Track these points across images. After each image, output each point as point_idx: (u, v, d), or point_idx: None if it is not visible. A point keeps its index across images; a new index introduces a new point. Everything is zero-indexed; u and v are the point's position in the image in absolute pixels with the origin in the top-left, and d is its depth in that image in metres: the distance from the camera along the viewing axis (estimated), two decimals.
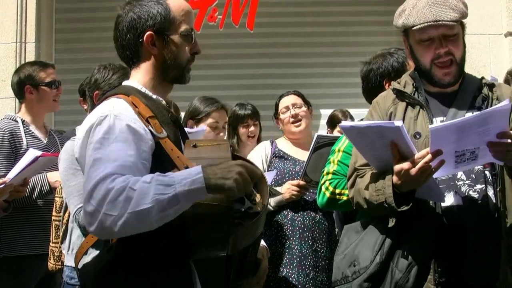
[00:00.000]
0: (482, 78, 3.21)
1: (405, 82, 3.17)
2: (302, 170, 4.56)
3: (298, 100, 5.02)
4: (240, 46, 7.94)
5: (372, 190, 2.88)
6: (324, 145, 4.33)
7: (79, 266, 2.67)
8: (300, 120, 4.93)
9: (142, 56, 2.60)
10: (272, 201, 4.63)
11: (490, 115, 2.64)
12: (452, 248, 2.89)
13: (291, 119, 4.91)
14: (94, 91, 3.61)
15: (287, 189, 4.59)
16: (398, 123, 2.65)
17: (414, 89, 3.12)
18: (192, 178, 2.20)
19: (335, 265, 3.16)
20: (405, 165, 2.71)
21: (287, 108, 4.96)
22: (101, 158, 2.25)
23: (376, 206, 2.87)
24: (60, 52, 7.80)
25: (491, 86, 3.15)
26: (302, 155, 4.85)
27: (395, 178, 2.78)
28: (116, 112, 2.37)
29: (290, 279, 4.57)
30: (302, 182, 4.55)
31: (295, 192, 4.56)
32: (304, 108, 4.96)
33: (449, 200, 2.93)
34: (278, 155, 4.86)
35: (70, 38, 7.86)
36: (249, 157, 4.47)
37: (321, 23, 8.04)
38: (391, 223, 2.89)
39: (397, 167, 2.75)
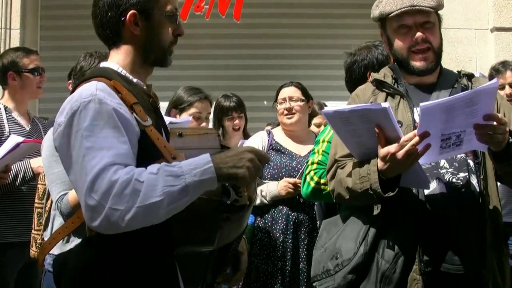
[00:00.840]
0: (460, 70, 3.22)
1: (384, 74, 3.16)
2: (301, 168, 4.56)
3: (296, 93, 5.00)
4: (226, 36, 7.94)
5: (356, 177, 2.85)
6: None
7: (56, 252, 2.59)
8: (293, 114, 4.92)
9: (123, 36, 2.44)
10: (268, 196, 4.66)
11: (478, 94, 2.63)
12: (436, 237, 2.88)
13: (285, 111, 4.92)
14: (79, 79, 3.58)
15: (284, 186, 4.61)
16: (385, 104, 2.63)
17: (393, 80, 3.12)
18: (203, 168, 2.12)
19: (315, 259, 3.13)
20: (392, 148, 2.68)
21: (284, 99, 4.96)
22: (93, 146, 2.11)
23: (360, 194, 2.83)
24: (45, 39, 7.76)
25: (470, 76, 3.17)
26: (299, 149, 4.88)
27: (380, 163, 2.74)
28: (100, 96, 2.21)
29: (284, 271, 4.61)
30: (299, 181, 4.53)
31: (291, 190, 4.58)
32: (300, 103, 4.94)
33: (432, 188, 2.92)
34: (275, 148, 4.87)
35: (55, 25, 7.84)
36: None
37: (307, 15, 8.05)
38: (376, 210, 2.84)
39: (383, 151, 2.71)
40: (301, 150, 4.86)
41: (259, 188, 4.65)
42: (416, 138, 2.66)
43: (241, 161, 2.18)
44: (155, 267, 2.27)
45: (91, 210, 2.06)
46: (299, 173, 4.59)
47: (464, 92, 2.74)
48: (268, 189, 4.66)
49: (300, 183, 4.51)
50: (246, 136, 5.52)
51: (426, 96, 3.07)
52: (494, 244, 2.97)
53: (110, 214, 2.04)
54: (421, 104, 2.64)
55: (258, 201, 4.66)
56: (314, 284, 3.07)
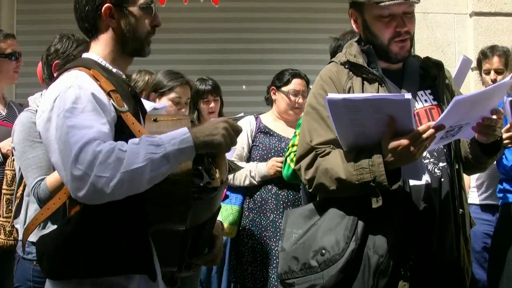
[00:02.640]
0: (428, 58, 3.21)
1: (355, 56, 3.07)
2: None
3: (305, 89, 5.08)
4: (205, 20, 7.88)
5: (352, 168, 2.76)
6: None
7: (34, 239, 2.65)
8: (299, 109, 4.99)
9: (101, 28, 2.58)
10: (257, 176, 4.76)
11: (499, 87, 2.68)
12: (422, 228, 2.89)
13: (296, 105, 4.99)
14: (54, 61, 3.55)
15: (272, 166, 4.71)
16: (408, 95, 2.57)
17: (365, 64, 3.04)
18: (181, 137, 2.25)
19: (288, 255, 2.99)
20: (405, 141, 2.63)
21: (297, 92, 5.02)
22: (75, 125, 2.22)
23: (354, 186, 2.76)
24: (22, 23, 7.68)
25: (439, 64, 3.16)
26: (287, 131, 4.95)
27: (387, 155, 2.68)
28: (79, 82, 2.35)
29: (274, 251, 4.69)
30: None
31: (279, 169, 4.63)
32: (305, 100, 4.98)
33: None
34: (264, 131, 4.96)
35: (32, 9, 7.74)
36: None
37: None
38: (377, 203, 2.75)
39: (394, 143, 2.65)
40: (290, 132, 4.88)
41: (248, 169, 4.71)
42: (431, 131, 2.63)
43: (216, 130, 2.33)
44: (130, 244, 2.39)
45: (77, 180, 2.17)
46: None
47: (492, 86, 2.79)
48: (257, 169, 4.74)
49: None
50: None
51: (396, 82, 3.05)
52: (464, 232, 3.02)
53: (96, 181, 2.14)
54: (456, 97, 2.62)
55: (247, 182, 4.76)
56: (289, 282, 2.96)
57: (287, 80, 5.08)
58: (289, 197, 4.78)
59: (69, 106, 2.27)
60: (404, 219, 2.85)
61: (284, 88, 5.06)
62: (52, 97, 2.34)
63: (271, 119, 5.08)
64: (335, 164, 2.84)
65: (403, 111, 2.60)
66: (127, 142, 2.28)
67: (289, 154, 3.66)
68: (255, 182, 4.77)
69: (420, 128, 2.65)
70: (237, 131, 2.41)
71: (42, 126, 2.34)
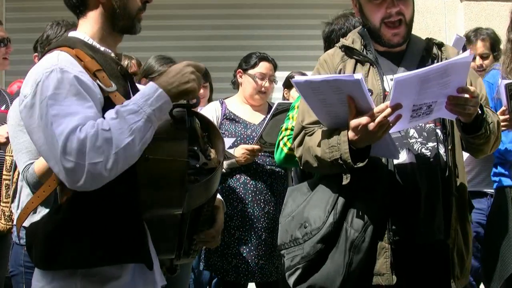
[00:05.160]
0: (430, 38, 3.21)
1: (353, 40, 3.12)
2: (257, 135, 4.56)
3: (272, 72, 4.99)
4: (196, 6, 7.87)
5: (325, 146, 2.83)
6: (283, 111, 4.33)
7: (26, 225, 2.61)
8: (265, 93, 4.93)
9: (90, 4, 2.45)
10: (225, 164, 4.61)
11: (452, 66, 2.63)
12: (405, 206, 2.90)
13: (262, 89, 4.90)
14: (46, 47, 3.53)
15: (242, 154, 4.60)
16: (357, 76, 2.60)
17: (362, 46, 3.08)
18: (154, 96, 2.22)
19: (282, 227, 3.10)
20: (363, 119, 2.67)
21: (264, 76, 4.92)
22: (59, 113, 2.15)
23: (329, 163, 2.82)
24: (11, 10, 7.65)
25: (440, 45, 3.16)
26: (253, 117, 4.87)
27: (351, 134, 2.73)
28: (61, 65, 2.23)
29: (242, 241, 4.61)
30: (256, 147, 4.56)
31: (248, 157, 4.57)
32: (272, 85, 4.98)
33: (402, 157, 2.93)
34: (229, 117, 4.83)
35: None
36: None
37: None
38: (346, 180, 2.85)
39: (354, 122, 2.70)
40: (256, 118, 4.85)
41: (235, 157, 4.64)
42: (388, 110, 2.64)
43: (184, 77, 2.29)
44: (123, 232, 2.30)
45: (71, 172, 2.11)
46: (255, 140, 4.59)
47: (438, 63, 2.76)
48: None
49: (256, 150, 4.55)
50: None
51: (395, 64, 3.06)
52: (459, 215, 3.00)
53: (92, 168, 2.10)
54: (395, 76, 2.63)
55: None
56: (282, 252, 3.05)
57: (254, 63, 4.96)
58: (258, 185, 4.68)
59: (51, 92, 2.18)
60: (388, 196, 2.88)
61: (251, 71, 4.94)
62: (33, 81, 2.24)
63: (237, 104, 4.98)
64: (315, 142, 2.91)
65: (358, 91, 2.64)
66: None
67: (282, 138, 3.65)
68: (223, 171, 4.59)
69: (378, 107, 2.69)
70: (201, 70, 2.36)
71: (25, 112, 2.25)
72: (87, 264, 2.29)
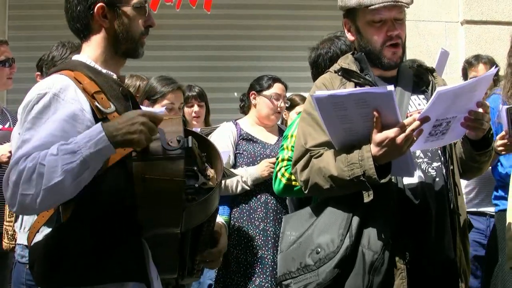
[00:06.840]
0: (420, 64, 3.25)
1: (348, 64, 3.12)
2: (277, 154, 4.57)
3: (285, 94, 5.13)
4: (197, 27, 7.90)
5: (343, 165, 2.79)
6: None
7: (25, 242, 2.64)
8: (280, 114, 5.07)
9: (93, 29, 2.52)
10: (249, 180, 4.71)
11: (481, 80, 2.71)
12: (417, 225, 2.91)
13: (278, 109, 5.01)
14: (50, 68, 3.55)
15: (266, 167, 4.67)
16: (390, 87, 2.60)
17: (359, 70, 3.09)
18: (96, 138, 2.20)
19: (285, 256, 3.03)
20: (391, 132, 2.66)
21: (279, 96, 5.02)
22: (27, 139, 2.27)
23: (347, 182, 2.79)
24: (14, 29, 7.67)
25: (432, 71, 3.22)
26: (268, 138, 4.98)
27: (375, 149, 2.71)
28: (55, 90, 2.33)
29: (265, 260, 4.66)
30: None
31: (272, 169, 4.53)
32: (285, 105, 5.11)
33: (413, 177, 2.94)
34: (246, 138, 4.93)
35: (24, 15, 7.74)
36: (215, 139, 4.53)
37: (277, 6, 8.03)
38: (368, 198, 2.77)
39: (380, 136, 2.68)
40: (269, 138, 4.96)
41: (238, 175, 4.65)
42: (417, 123, 2.66)
43: (133, 126, 2.24)
44: (122, 250, 2.35)
45: (9, 198, 2.23)
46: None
47: (472, 79, 2.86)
48: (248, 173, 4.68)
49: None
50: (207, 126, 5.55)
51: None
52: (462, 232, 3.05)
53: (23, 199, 2.19)
54: (438, 88, 2.67)
55: (239, 188, 4.72)
56: (286, 282, 2.98)
57: (268, 85, 5.07)
58: (278, 205, 4.74)
59: (33, 116, 2.30)
60: (399, 216, 2.88)
61: (266, 92, 5.03)
62: (27, 101, 2.36)
63: (250, 125, 5.06)
64: (328, 162, 2.87)
65: (387, 103, 2.64)
66: None
67: (280, 169, 3.66)
68: (247, 187, 4.71)
69: (406, 120, 2.70)
70: (157, 121, 2.32)
71: (16, 130, 2.40)
72: (86, 282, 2.32)
